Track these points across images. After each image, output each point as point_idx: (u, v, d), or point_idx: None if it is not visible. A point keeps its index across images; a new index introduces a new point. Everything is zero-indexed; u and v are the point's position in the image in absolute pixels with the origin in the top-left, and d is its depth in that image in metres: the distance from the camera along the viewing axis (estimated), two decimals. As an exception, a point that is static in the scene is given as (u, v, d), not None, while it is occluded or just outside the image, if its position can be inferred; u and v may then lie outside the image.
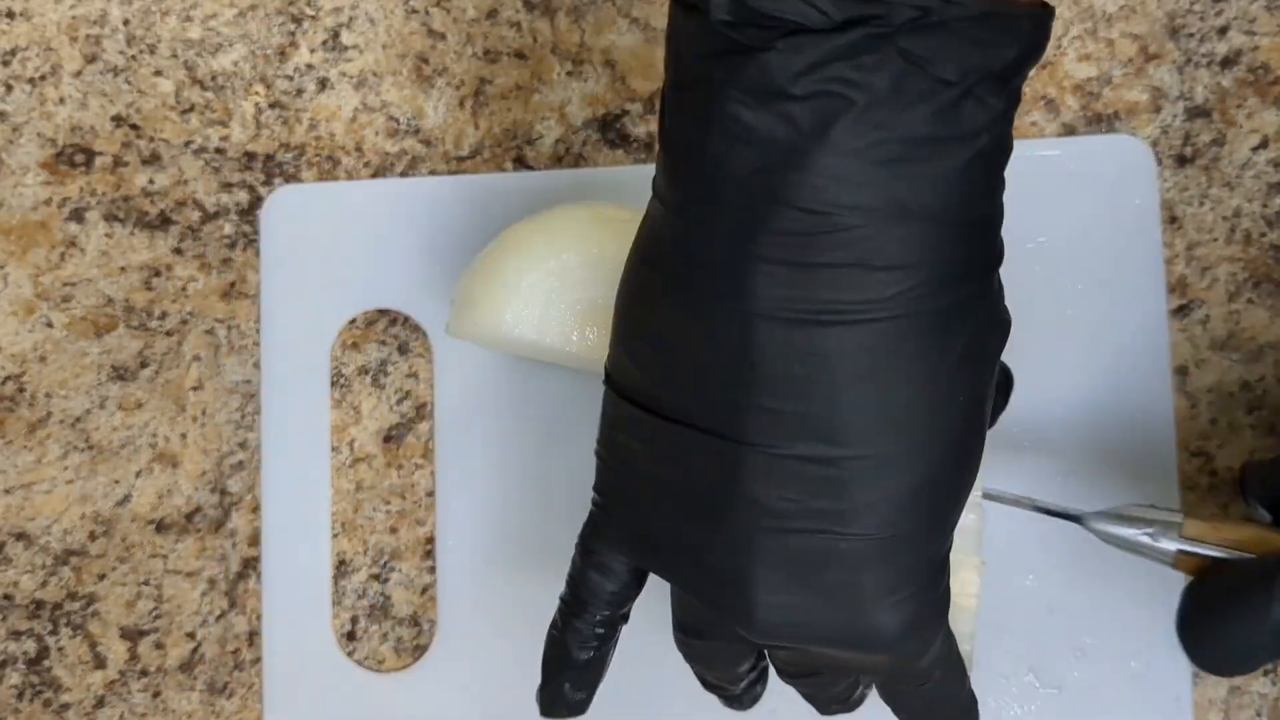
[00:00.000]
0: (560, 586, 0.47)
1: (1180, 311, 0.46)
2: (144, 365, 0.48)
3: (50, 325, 0.49)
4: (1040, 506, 0.38)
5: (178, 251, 0.49)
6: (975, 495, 0.36)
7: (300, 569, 0.47)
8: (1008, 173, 0.30)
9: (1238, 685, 0.45)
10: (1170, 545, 0.35)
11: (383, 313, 0.48)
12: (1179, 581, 0.43)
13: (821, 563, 0.29)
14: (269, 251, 0.48)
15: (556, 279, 0.40)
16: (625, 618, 0.36)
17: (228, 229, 0.49)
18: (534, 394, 0.47)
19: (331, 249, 0.48)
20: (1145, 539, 0.35)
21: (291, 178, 0.49)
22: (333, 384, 0.48)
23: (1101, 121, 0.47)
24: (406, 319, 0.48)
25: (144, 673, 0.48)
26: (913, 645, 0.31)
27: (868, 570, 0.29)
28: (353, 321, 0.48)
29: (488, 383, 0.47)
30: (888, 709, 0.37)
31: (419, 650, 0.47)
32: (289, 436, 0.47)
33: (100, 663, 0.48)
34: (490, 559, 0.47)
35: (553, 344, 0.41)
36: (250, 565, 0.48)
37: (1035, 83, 0.47)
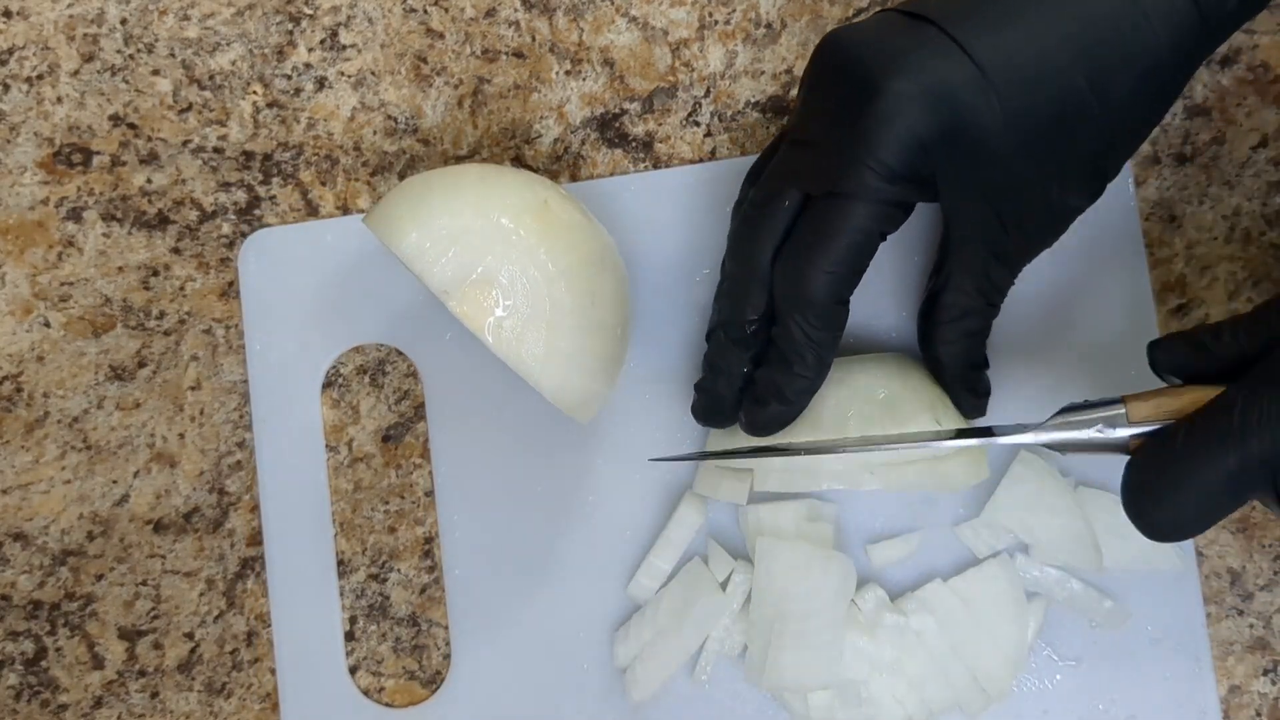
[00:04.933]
0: (572, 602, 0.47)
1: (1180, 310, 0.46)
2: (142, 365, 0.48)
3: (48, 325, 0.48)
4: (994, 434, 0.39)
5: (176, 251, 0.49)
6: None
7: (304, 582, 0.47)
8: None
9: (1238, 685, 0.45)
10: (1123, 433, 0.36)
11: (366, 347, 0.48)
12: (1187, 543, 0.44)
13: None
14: (249, 297, 0.48)
15: (473, 237, 0.39)
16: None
17: (226, 228, 0.48)
18: (522, 399, 0.47)
19: (310, 289, 0.48)
20: (1098, 435, 0.36)
21: (290, 177, 0.48)
22: (330, 383, 0.48)
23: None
24: (379, 346, 0.48)
25: (142, 673, 0.48)
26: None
27: None
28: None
29: (477, 403, 0.47)
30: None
31: (417, 651, 0.47)
32: (283, 491, 0.47)
33: (98, 663, 0.48)
34: (496, 573, 0.47)
35: (435, 288, 0.39)
36: (249, 565, 0.48)
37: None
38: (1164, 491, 0.34)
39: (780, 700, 0.44)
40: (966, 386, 0.42)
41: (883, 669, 0.43)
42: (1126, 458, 0.36)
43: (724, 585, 0.45)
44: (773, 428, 0.41)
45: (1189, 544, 0.45)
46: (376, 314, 0.47)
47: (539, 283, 0.39)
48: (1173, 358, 0.37)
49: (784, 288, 0.39)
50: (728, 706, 0.45)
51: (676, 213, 0.47)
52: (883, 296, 0.46)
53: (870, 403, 0.42)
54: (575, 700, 0.46)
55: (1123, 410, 0.36)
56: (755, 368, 0.41)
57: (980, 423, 0.43)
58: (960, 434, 0.40)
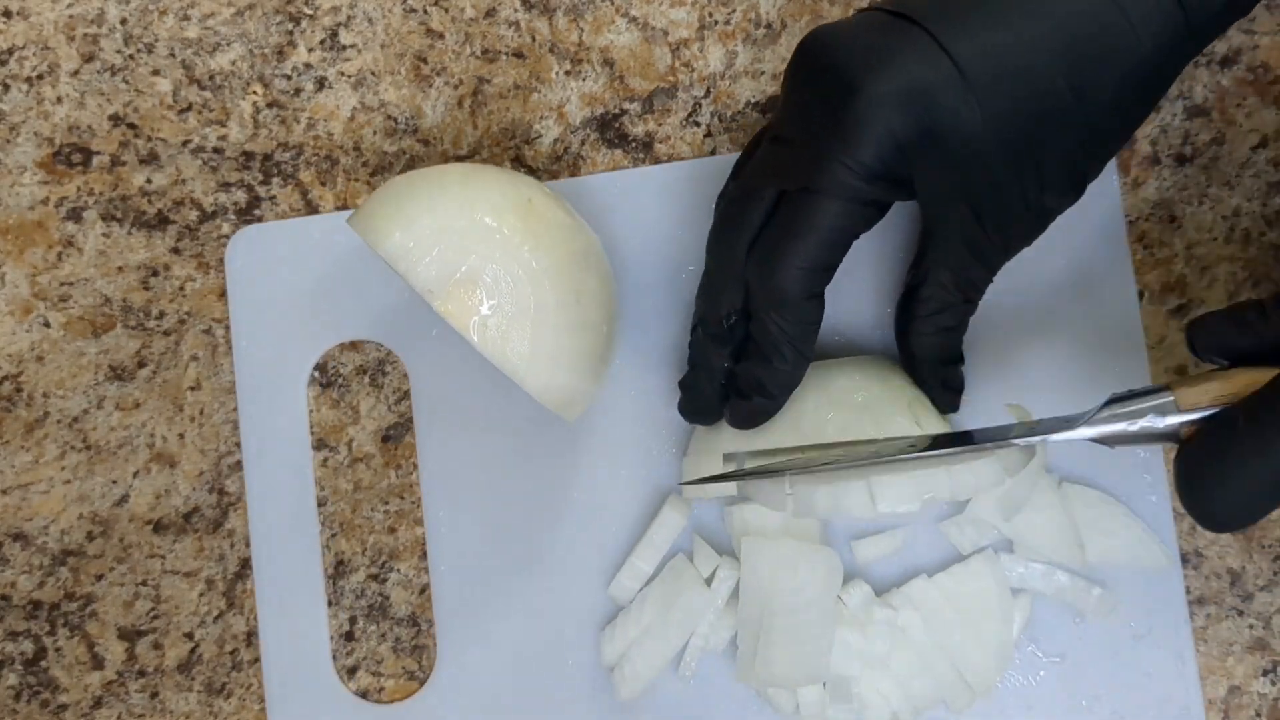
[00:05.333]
0: (558, 600, 0.47)
1: (1179, 311, 0.46)
2: (141, 365, 0.48)
3: (48, 325, 0.48)
4: (1036, 433, 0.37)
5: (175, 251, 0.49)
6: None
7: (291, 576, 0.47)
8: None
9: (1238, 685, 0.45)
10: (1173, 421, 0.34)
11: (355, 344, 0.48)
12: (1170, 539, 0.44)
13: None
14: (236, 293, 0.48)
15: (456, 237, 0.39)
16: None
17: (225, 228, 0.48)
18: (509, 397, 0.46)
19: (297, 285, 0.48)
20: (1149, 426, 0.35)
21: (290, 177, 0.48)
22: (330, 384, 0.48)
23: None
24: (379, 346, 0.48)
25: (142, 673, 0.48)
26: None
27: None
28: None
29: (464, 399, 0.47)
30: None
31: (417, 651, 0.47)
32: (270, 488, 0.47)
33: (98, 663, 0.48)
34: (482, 571, 0.47)
35: (419, 288, 0.39)
36: (248, 565, 0.48)
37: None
38: (1222, 481, 0.33)
39: (764, 697, 0.44)
40: (940, 381, 0.42)
41: (873, 664, 0.43)
42: (1173, 447, 0.35)
43: (709, 581, 0.45)
44: (757, 421, 0.41)
45: (1174, 541, 0.45)
46: (362, 310, 0.47)
47: (523, 281, 0.39)
48: (1215, 338, 0.35)
49: (757, 283, 0.39)
50: (714, 703, 0.45)
51: (662, 209, 0.47)
52: (861, 295, 0.46)
53: (848, 407, 0.42)
54: (562, 698, 0.46)
55: (1171, 398, 0.35)
56: (736, 362, 0.41)
57: (995, 420, 0.43)
58: (1004, 436, 0.38)
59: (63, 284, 0.48)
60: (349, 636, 0.47)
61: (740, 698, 0.45)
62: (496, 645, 0.46)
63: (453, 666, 0.46)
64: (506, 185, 0.41)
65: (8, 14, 0.49)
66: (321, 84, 0.49)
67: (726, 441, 0.43)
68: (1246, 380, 0.34)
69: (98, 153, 0.49)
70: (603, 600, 0.46)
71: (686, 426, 0.45)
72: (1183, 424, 0.34)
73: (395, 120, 0.48)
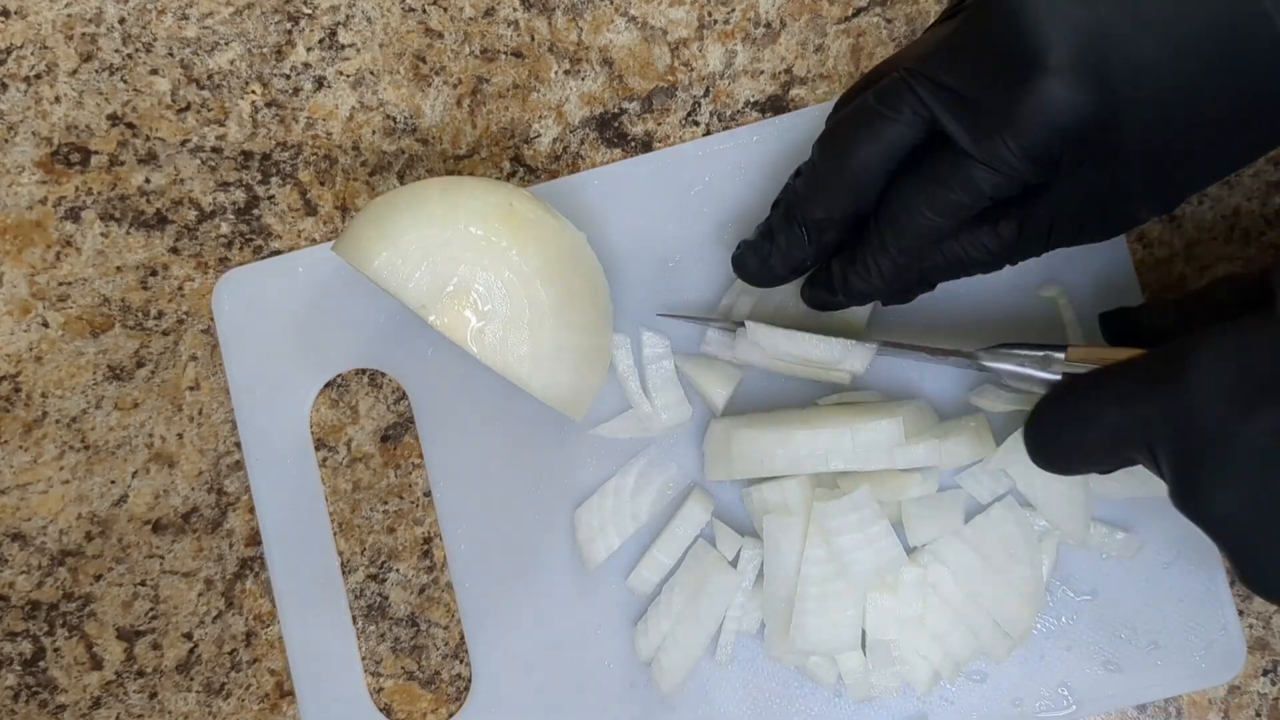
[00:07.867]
0: (586, 600, 0.47)
1: (1179, 310, 0.46)
2: (140, 365, 0.48)
3: (46, 325, 0.48)
4: (931, 348, 0.42)
5: (174, 251, 0.49)
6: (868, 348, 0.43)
7: (321, 618, 0.47)
8: None
9: (1238, 685, 0.45)
10: (1055, 373, 0.39)
11: (358, 372, 0.48)
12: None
13: None
14: (227, 340, 0.47)
15: (443, 248, 0.39)
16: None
17: (224, 228, 0.48)
18: (513, 404, 0.46)
19: (287, 323, 0.47)
20: (1032, 370, 0.39)
21: (288, 177, 0.48)
22: (329, 384, 0.48)
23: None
24: (375, 372, 0.47)
25: (141, 673, 0.48)
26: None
27: None
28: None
29: (468, 413, 0.47)
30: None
31: (416, 651, 0.47)
32: (282, 522, 0.47)
33: (97, 663, 0.48)
34: (506, 581, 0.46)
35: (412, 304, 0.40)
36: (247, 565, 0.48)
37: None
38: (1055, 425, 0.36)
39: (805, 672, 0.44)
40: (898, 290, 0.41)
41: (909, 626, 0.43)
42: None
43: (734, 563, 0.45)
44: (830, 309, 0.43)
45: None
46: (355, 340, 0.47)
47: (515, 285, 0.40)
48: (1111, 326, 0.41)
49: (892, 223, 0.38)
50: (755, 684, 0.45)
51: (642, 201, 0.47)
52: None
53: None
54: (602, 697, 0.46)
55: (1062, 354, 0.39)
56: (818, 250, 0.41)
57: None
58: (893, 346, 0.43)
59: (61, 284, 0.48)
60: (348, 636, 0.47)
61: (781, 676, 0.45)
62: (530, 653, 0.46)
63: (488, 681, 0.46)
64: (486, 192, 0.41)
65: (6, 13, 0.49)
66: (320, 83, 0.49)
67: (742, 438, 0.43)
68: (1128, 354, 0.37)
69: (96, 152, 0.49)
70: (628, 596, 0.46)
71: (693, 419, 0.46)
72: (1063, 375, 0.39)
73: (394, 120, 0.48)
